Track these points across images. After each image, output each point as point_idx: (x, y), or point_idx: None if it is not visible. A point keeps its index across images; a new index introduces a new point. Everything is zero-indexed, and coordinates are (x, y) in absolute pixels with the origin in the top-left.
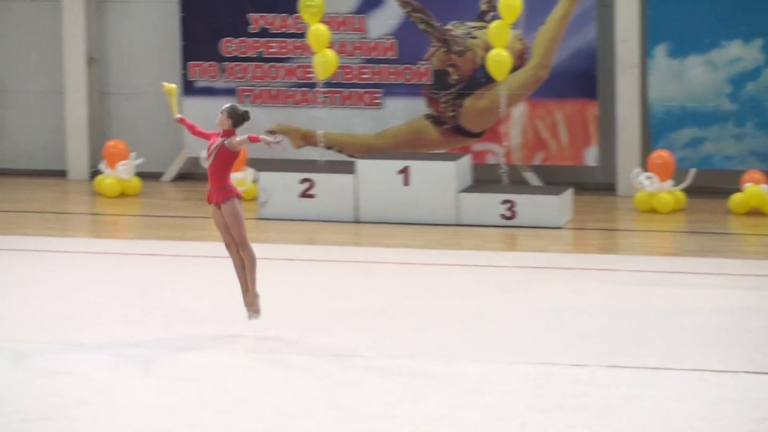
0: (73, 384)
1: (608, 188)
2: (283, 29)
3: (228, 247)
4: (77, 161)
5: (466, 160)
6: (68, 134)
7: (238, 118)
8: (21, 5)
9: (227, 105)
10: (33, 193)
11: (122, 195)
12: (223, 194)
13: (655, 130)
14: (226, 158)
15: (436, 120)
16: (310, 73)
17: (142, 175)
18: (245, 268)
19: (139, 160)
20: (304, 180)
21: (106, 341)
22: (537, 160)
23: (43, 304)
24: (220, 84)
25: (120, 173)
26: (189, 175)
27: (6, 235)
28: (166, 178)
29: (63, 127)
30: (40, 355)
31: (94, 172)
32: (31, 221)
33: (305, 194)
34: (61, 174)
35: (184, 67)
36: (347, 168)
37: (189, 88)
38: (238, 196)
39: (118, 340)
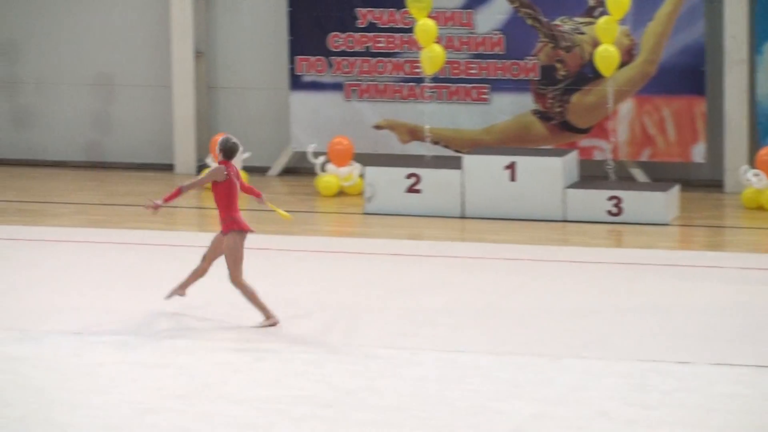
0: (177, 377)
1: (715, 185)
2: (391, 24)
3: (203, 259)
4: (184, 155)
5: (572, 156)
6: (175, 128)
7: (227, 151)
8: None
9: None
10: (140, 187)
11: None
12: (225, 226)
13: (762, 126)
14: (215, 190)
15: (543, 115)
16: (417, 68)
17: (249, 170)
18: (250, 297)
19: (246, 155)
20: (411, 175)
21: (210, 335)
22: (644, 157)
23: (148, 296)
24: (327, 79)
25: None
26: (295, 169)
27: (113, 228)
28: (273, 173)
29: (170, 121)
30: (144, 347)
31: (201, 166)
32: (137, 215)
33: (411, 189)
34: (168, 168)
35: (292, 62)
36: (454, 163)
37: (296, 83)
38: (242, 231)
39: (223, 333)
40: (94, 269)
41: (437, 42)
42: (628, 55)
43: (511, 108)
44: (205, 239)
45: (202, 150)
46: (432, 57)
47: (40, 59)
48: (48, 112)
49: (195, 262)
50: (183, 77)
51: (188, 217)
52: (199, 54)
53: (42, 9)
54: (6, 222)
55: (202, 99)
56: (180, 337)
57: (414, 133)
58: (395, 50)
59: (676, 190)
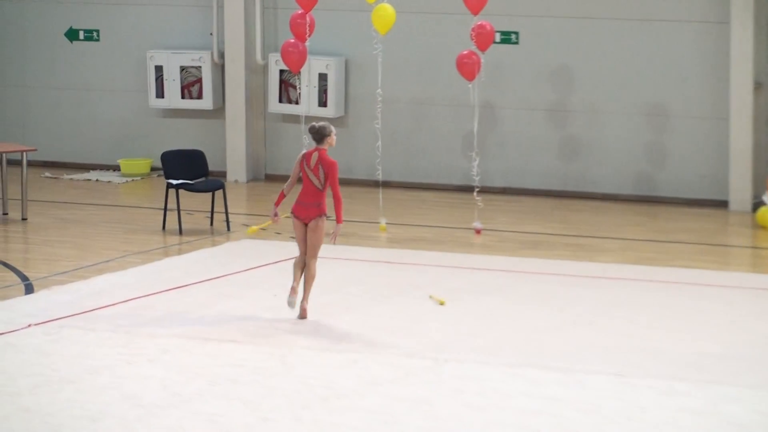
0: (726, 427)
1: None
2: None
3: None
4: (739, 191)
5: None
6: (731, 163)
7: (313, 134)
8: (691, 26)
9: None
10: (691, 224)
11: None
12: (316, 211)
13: None
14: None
15: None
16: None
17: None
18: (305, 278)
19: None
20: None
21: (757, 382)
22: None
23: (695, 338)
24: None
25: None
26: None
27: (660, 267)
28: None
29: (726, 155)
30: (691, 393)
31: (757, 203)
32: (687, 252)
33: None
34: (722, 204)
35: None
36: None
37: None
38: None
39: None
40: (639, 309)
41: None
42: None
43: None
44: (755, 280)
45: (759, 186)
46: None
47: (592, 86)
48: (599, 142)
49: (742, 304)
50: (741, 109)
51: (740, 256)
52: (758, 85)
53: (594, 33)
54: (553, 256)
55: (761, 132)
56: (728, 384)
57: None
58: None
59: None
